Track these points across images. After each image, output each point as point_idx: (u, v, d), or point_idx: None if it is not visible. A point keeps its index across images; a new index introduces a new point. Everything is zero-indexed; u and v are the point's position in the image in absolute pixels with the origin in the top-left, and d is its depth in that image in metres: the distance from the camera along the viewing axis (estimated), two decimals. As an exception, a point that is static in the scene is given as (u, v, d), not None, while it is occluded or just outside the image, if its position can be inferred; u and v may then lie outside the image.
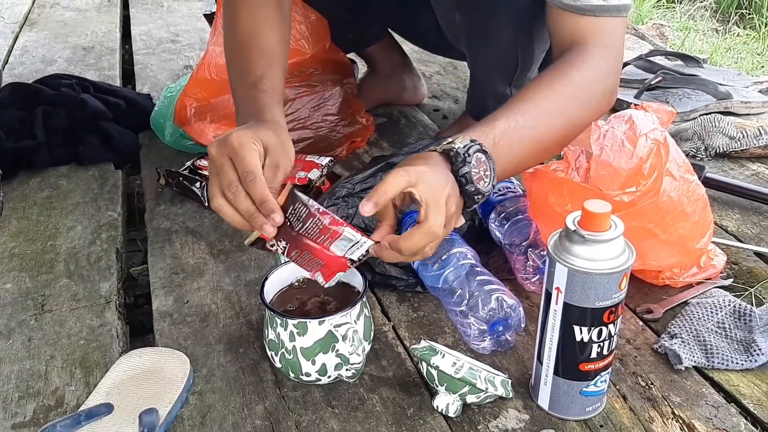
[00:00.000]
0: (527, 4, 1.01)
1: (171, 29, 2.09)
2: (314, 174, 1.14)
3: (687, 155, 1.25)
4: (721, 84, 1.47)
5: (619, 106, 1.44)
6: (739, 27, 3.81)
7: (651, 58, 1.62)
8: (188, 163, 1.20)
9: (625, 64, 1.57)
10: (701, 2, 4.37)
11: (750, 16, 3.94)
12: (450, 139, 0.77)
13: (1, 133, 1.23)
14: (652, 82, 1.46)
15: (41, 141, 1.24)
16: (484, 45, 1.10)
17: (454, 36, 1.17)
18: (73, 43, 1.96)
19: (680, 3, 4.27)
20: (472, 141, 0.76)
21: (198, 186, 1.13)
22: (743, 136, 1.24)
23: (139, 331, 0.94)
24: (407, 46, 1.53)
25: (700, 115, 1.40)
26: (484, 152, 0.76)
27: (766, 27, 3.59)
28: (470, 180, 0.74)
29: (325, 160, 1.18)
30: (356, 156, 1.32)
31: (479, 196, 0.76)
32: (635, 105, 0.90)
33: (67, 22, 2.17)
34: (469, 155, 0.74)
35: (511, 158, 0.82)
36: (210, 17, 1.65)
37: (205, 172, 1.14)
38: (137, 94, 1.49)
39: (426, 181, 0.71)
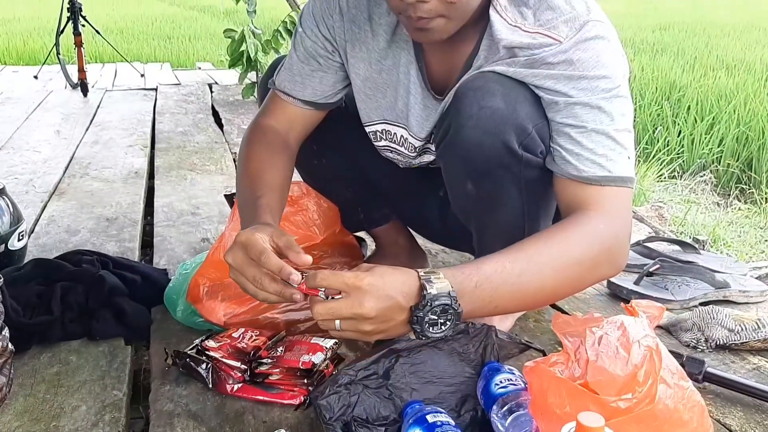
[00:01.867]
0: (536, 174, 1.06)
1: (192, 201, 2.20)
2: (318, 358, 1.16)
3: (688, 346, 1.27)
4: (718, 272, 1.52)
5: (619, 291, 1.48)
6: (740, 201, 3.94)
7: (649, 244, 1.68)
8: (196, 342, 1.23)
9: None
10: (701, 177, 4.55)
11: (750, 191, 4.09)
12: (435, 274, 0.86)
13: (19, 308, 1.27)
14: (651, 269, 1.51)
15: (56, 316, 1.28)
16: (493, 214, 1.14)
17: (462, 208, 1.21)
18: (98, 213, 2.07)
19: (681, 178, 4.45)
20: (448, 294, 0.84)
21: (204, 368, 1.15)
22: (742, 329, 1.26)
23: None
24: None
25: (699, 304, 1.43)
26: (453, 309, 0.84)
27: (766, 202, 3.71)
28: (422, 322, 0.84)
29: (329, 343, 1.20)
30: (361, 337, 1.34)
31: (423, 338, 0.87)
32: (625, 305, 0.93)
33: (94, 192, 2.29)
34: (434, 305, 0.83)
35: (490, 302, 0.90)
36: (230, 198, 1.75)
37: (212, 353, 1.16)
38: (154, 270, 1.55)
39: (384, 277, 0.85)
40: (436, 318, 0.84)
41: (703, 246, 1.91)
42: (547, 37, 0.98)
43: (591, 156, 0.97)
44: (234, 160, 2.76)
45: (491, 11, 1.01)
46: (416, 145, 1.22)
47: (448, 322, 0.85)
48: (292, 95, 1.21)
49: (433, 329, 0.85)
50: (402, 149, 1.25)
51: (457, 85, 1.08)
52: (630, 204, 1.02)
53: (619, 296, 1.47)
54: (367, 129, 1.26)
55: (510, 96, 1.01)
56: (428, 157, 1.26)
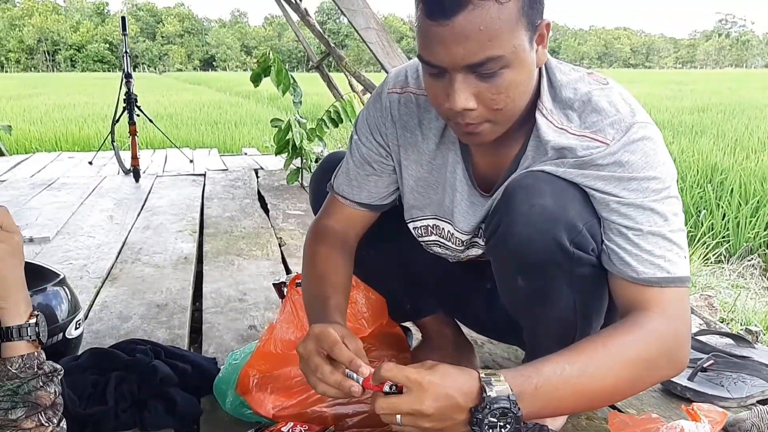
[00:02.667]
0: (587, 271, 1.06)
1: (239, 287, 2.24)
2: (368, 454, 1.15)
3: (748, 449, 1.22)
4: (775, 368, 1.47)
5: (673, 388, 1.44)
6: (790, 286, 3.83)
7: (701, 338, 1.64)
8: (245, 435, 1.23)
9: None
10: (749, 261, 4.46)
11: (800, 273, 3.98)
12: (495, 376, 0.88)
13: (75, 397, 1.30)
14: (705, 365, 1.47)
15: (110, 406, 1.30)
16: (544, 310, 1.14)
17: (512, 303, 1.21)
18: (149, 299, 2.12)
19: (728, 262, 4.36)
20: (508, 397, 0.86)
21: (254, 462, 1.15)
22: (805, 431, 1.21)
23: None
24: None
25: (758, 402, 1.38)
26: (513, 413, 0.86)
27: (819, 287, 3.61)
28: (481, 424, 0.86)
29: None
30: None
31: None
32: (686, 409, 0.91)
33: (145, 278, 2.36)
34: (493, 408, 0.85)
35: (550, 403, 0.91)
36: (278, 287, 1.79)
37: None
38: (204, 359, 1.57)
39: (445, 376, 0.87)
40: (496, 421, 0.86)
41: (757, 338, 1.86)
42: (594, 140, 1.01)
43: (650, 258, 0.98)
44: (279, 245, 2.82)
45: (537, 114, 1.05)
46: (463, 239, 1.24)
47: (507, 425, 0.86)
48: (348, 198, 1.27)
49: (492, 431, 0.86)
50: (449, 243, 1.27)
51: (507, 182, 1.11)
52: (688, 303, 1.02)
53: (673, 392, 1.44)
54: (414, 224, 1.29)
55: (560, 195, 1.03)
56: (476, 251, 1.28)
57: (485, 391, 0.86)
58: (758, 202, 5.01)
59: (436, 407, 0.86)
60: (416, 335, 1.66)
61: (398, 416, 0.88)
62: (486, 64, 0.92)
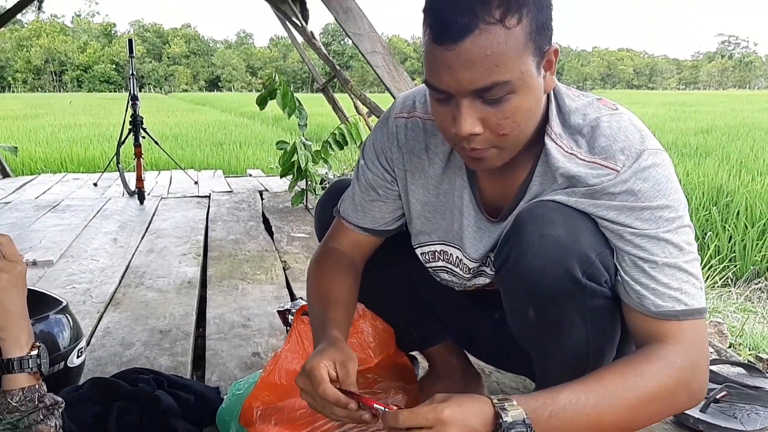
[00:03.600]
0: (600, 303, 1.05)
1: (243, 312, 2.22)
2: (374, 490, 1.12)
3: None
4: (789, 400, 1.44)
5: (685, 420, 1.42)
6: (800, 310, 3.79)
7: (713, 367, 1.62)
8: (249, 469, 1.21)
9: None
10: (756, 284, 4.42)
11: (806, 300, 3.94)
12: (508, 401, 0.88)
13: (76, 429, 1.27)
14: (718, 396, 1.44)
15: (112, 438, 1.28)
16: (555, 341, 1.12)
17: (523, 334, 1.19)
18: (152, 325, 2.10)
19: (735, 285, 4.33)
20: (523, 421, 0.86)
21: (257, 498, 1.12)
22: (823, 467, 1.18)
23: None
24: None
25: (773, 435, 1.35)
26: None
27: (826, 312, 3.57)
28: None
29: (385, 473, 1.17)
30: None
31: None
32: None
33: (148, 303, 2.34)
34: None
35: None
36: (283, 314, 1.77)
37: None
38: (207, 388, 1.55)
39: (461, 407, 0.88)
40: None
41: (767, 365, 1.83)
42: (604, 167, 0.99)
43: (667, 291, 0.97)
44: (284, 268, 2.80)
45: (546, 139, 1.04)
46: (470, 267, 1.22)
47: None
48: (353, 223, 1.28)
49: None
50: (457, 270, 1.26)
51: (516, 212, 1.09)
52: (706, 334, 1.00)
53: (685, 425, 1.41)
54: (422, 250, 1.28)
55: (571, 225, 1.01)
56: (483, 280, 1.27)
57: (501, 417, 0.86)
58: (765, 224, 4.98)
59: None
60: (423, 364, 1.64)
61: None
62: (492, 89, 0.91)
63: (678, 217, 0.98)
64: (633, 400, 0.93)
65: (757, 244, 4.75)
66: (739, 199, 5.59)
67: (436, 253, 1.27)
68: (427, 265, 1.30)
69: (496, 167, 1.03)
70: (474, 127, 0.95)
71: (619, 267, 1.02)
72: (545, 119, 1.04)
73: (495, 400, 0.89)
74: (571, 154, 1.02)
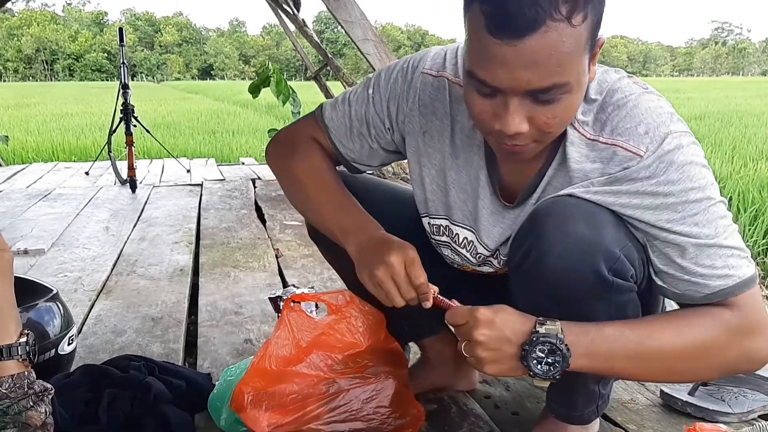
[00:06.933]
0: (627, 299, 1.02)
1: (235, 300, 2.22)
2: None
3: (750, 466, 1.21)
4: (776, 383, 1.46)
5: (673, 403, 1.43)
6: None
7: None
8: (239, 454, 1.22)
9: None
10: (747, 270, 4.45)
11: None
12: (552, 320, 0.93)
13: (67, 416, 1.28)
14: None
15: (102, 425, 1.28)
16: None
17: None
18: (144, 313, 2.10)
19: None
20: (556, 335, 0.91)
21: (248, 482, 1.13)
22: (808, 448, 1.19)
23: None
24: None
25: (759, 417, 1.37)
26: (561, 351, 0.91)
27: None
28: (529, 358, 0.92)
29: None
30: (406, 449, 1.31)
31: (532, 374, 0.93)
32: (688, 429, 0.90)
33: (140, 290, 2.34)
34: (542, 343, 0.91)
35: (605, 361, 0.94)
36: (274, 301, 1.77)
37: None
38: (198, 374, 1.55)
39: (498, 313, 0.95)
40: (543, 356, 0.92)
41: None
42: (627, 151, 0.96)
43: (713, 272, 0.95)
44: (276, 256, 2.80)
45: (569, 127, 0.99)
46: (484, 254, 1.18)
47: (556, 364, 0.91)
48: (331, 139, 1.24)
49: (539, 367, 0.92)
50: (463, 252, 1.21)
51: (532, 202, 1.07)
52: (761, 299, 0.98)
53: (673, 408, 1.42)
54: (430, 221, 1.23)
55: (592, 221, 0.97)
56: (487, 269, 1.23)
57: (536, 327, 0.92)
58: (757, 210, 5.00)
59: (486, 336, 0.93)
60: (414, 348, 1.64)
61: (462, 345, 0.97)
62: (550, 91, 0.86)
63: (706, 198, 0.94)
64: (679, 346, 0.94)
65: (749, 229, 4.77)
66: (731, 185, 5.60)
67: (441, 228, 1.22)
68: (432, 237, 1.25)
69: (529, 158, 1.00)
70: (521, 126, 0.90)
71: (657, 260, 0.99)
72: None
73: (540, 318, 0.94)
74: (593, 140, 0.99)
